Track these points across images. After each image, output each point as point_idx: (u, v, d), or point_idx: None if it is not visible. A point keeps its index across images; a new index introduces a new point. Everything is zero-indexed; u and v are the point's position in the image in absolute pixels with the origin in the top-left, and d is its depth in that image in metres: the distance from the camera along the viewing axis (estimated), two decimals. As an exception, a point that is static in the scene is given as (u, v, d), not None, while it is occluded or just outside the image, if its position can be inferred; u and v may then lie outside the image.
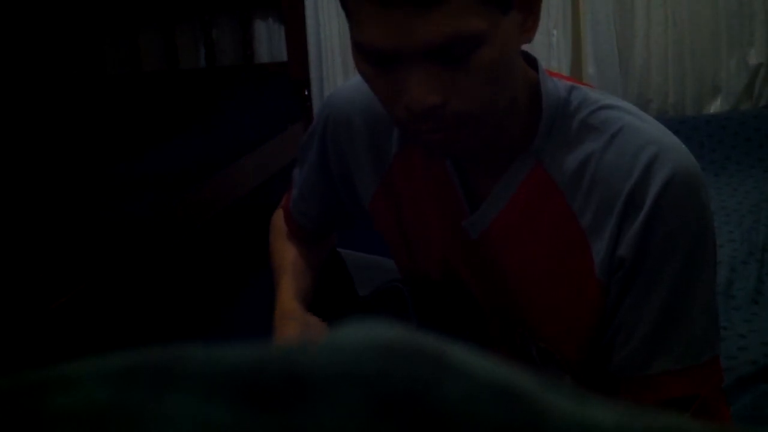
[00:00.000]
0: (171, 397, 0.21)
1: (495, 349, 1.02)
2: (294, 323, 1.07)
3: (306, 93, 3.45)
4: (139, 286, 2.22)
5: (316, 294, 1.17)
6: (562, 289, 0.94)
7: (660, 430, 0.23)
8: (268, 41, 3.68)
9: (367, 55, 0.82)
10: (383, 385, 0.22)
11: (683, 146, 0.90)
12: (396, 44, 0.78)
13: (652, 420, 0.23)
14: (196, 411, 0.21)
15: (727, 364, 0.96)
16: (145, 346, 0.24)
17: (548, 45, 3.30)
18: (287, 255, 1.19)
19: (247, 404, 0.21)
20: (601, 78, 3.29)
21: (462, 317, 1.03)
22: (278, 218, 1.25)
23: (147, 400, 0.21)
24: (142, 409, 0.21)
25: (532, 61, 0.94)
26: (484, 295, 1.01)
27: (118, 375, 0.22)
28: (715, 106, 3.33)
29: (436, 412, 0.21)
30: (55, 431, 0.21)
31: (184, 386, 0.21)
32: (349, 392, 0.21)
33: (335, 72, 3.48)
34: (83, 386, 0.22)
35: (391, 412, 0.21)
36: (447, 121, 0.82)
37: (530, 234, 0.94)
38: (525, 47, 0.91)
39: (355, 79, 1.09)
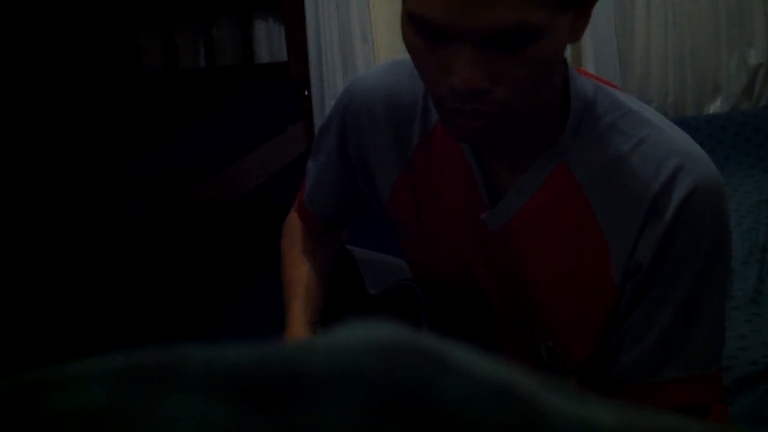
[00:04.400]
0: (171, 397, 0.21)
1: (506, 349, 1.02)
2: None
3: (306, 93, 3.45)
4: (138, 286, 2.22)
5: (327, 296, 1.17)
6: (577, 289, 0.94)
7: (660, 430, 0.23)
8: (268, 41, 3.68)
9: (420, 28, 0.81)
10: (383, 385, 0.22)
11: (707, 157, 0.90)
12: (458, 23, 0.77)
13: (652, 420, 0.23)
14: (197, 411, 0.21)
15: (727, 364, 0.96)
16: (145, 346, 0.24)
17: (548, 45, 3.30)
18: (300, 272, 1.17)
19: (248, 404, 0.21)
20: (601, 78, 3.29)
21: (473, 316, 1.03)
22: (291, 221, 1.23)
23: (147, 400, 0.21)
24: (142, 409, 0.21)
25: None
26: (497, 290, 1.00)
27: (118, 375, 0.22)
28: (715, 106, 3.33)
29: (436, 412, 0.21)
30: (55, 431, 0.20)
31: (185, 386, 0.21)
32: (350, 392, 0.21)
33: (335, 72, 3.48)
34: (83, 386, 0.22)
35: (391, 412, 0.21)
36: (488, 107, 0.81)
37: (549, 231, 0.94)
38: None
39: (378, 68, 1.08)
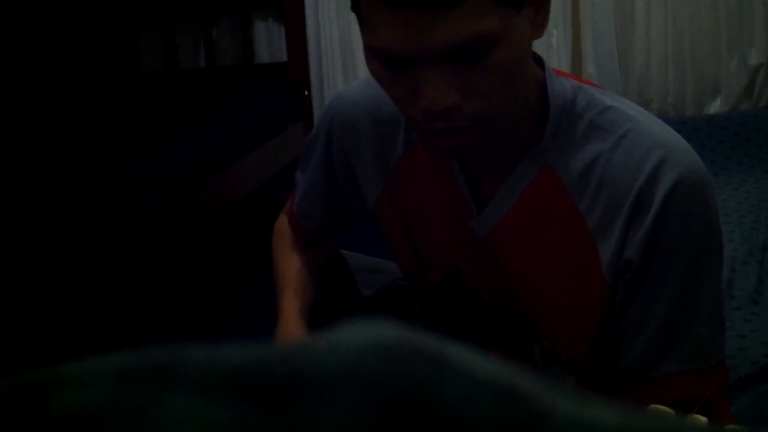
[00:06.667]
0: (171, 397, 0.21)
1: (501, 348, 1.02)
2: None
3: (306, 93, 3.45)
4: (139, 286, 2.22)
5: (319, 295, 1.18)
6: (569, 289, 0.94)
7: (661, 431, 0.23)
8: (268, 41, 3.68)
9: (382, 59, 0.82)
10: (384, 385, 0.22)
11: (690, 148, 0.90)
12: (412, 47, 0.78)
13: (653, 420, 0.23)
14: (196, 411, 0.21)
15: (727, 364, 0.96)
16: (145, 346, 0.24)
17: (548, 45, 3.30)
18: (291, 267, 1.19)
19: (248, 404, 0.21)
20: (601, 78, 3.29)
21: (467, 316, 1.03)
22: (281, 224, 1.26)
23: (147, 400, 0.21)
24: (142, 409, 0.21)
25: (538, 60, 0.93)
26: (488, 295, 1.01)
27: (118, 375, 0.22)
28: (715, 106, 3.33)
29: (436, 412, 0.21)
30: (55, 431, 0.20)
31: (184, 386, 0.21)
32: (350, 393, 0.21)
33: (335, 72, 3.48)
34: (83, 386, 0.22)
35: (391, 413, 0.21)
36: (463, 122, 0.82)
37: (537, 234, 0.94)
38: None
39: (360, 82, 1.09)
